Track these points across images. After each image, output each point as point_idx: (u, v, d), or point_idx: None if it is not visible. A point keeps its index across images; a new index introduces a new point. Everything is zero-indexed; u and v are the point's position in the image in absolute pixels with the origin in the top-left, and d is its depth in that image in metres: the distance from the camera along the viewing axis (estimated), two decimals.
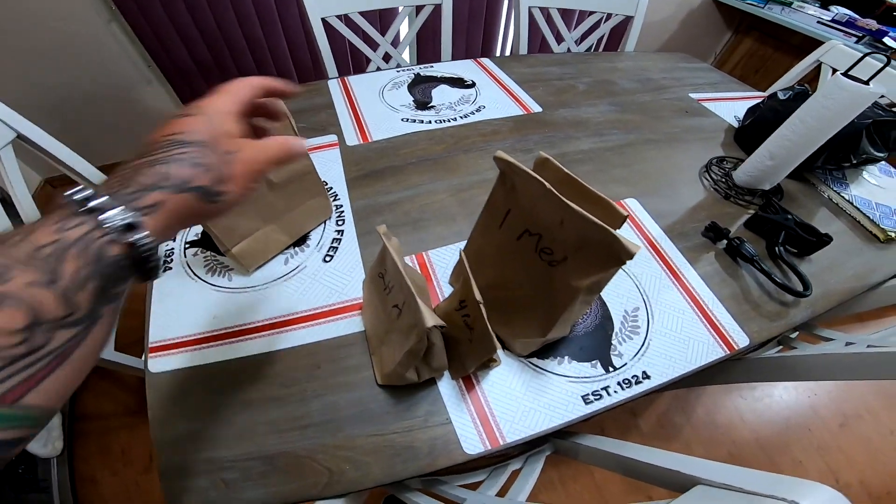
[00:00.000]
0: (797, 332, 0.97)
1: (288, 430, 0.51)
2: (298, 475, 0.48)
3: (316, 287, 0.64)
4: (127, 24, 1.66)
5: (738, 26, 2.74)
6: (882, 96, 0.88)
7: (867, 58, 0.80)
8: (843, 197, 0.89)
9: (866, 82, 0.71)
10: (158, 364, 0.55)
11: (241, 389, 0.54)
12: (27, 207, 0.82)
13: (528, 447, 0.74)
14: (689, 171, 0.93)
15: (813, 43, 1.51)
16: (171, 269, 0.66)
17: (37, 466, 1.15)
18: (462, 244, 0.70)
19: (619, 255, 0.41)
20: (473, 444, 0.50)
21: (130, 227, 0.26)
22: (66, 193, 0.25)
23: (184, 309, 0.61)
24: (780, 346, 0.96)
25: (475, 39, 2.14)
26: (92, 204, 0.25)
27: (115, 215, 0.25)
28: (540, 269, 0.49)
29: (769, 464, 1.36)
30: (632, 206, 0.82)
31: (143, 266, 0.27)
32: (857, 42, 2.03)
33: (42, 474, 1.15)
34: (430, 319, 0.43)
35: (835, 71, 1.30)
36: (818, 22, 2.18)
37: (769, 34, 2.49)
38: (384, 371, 0.53)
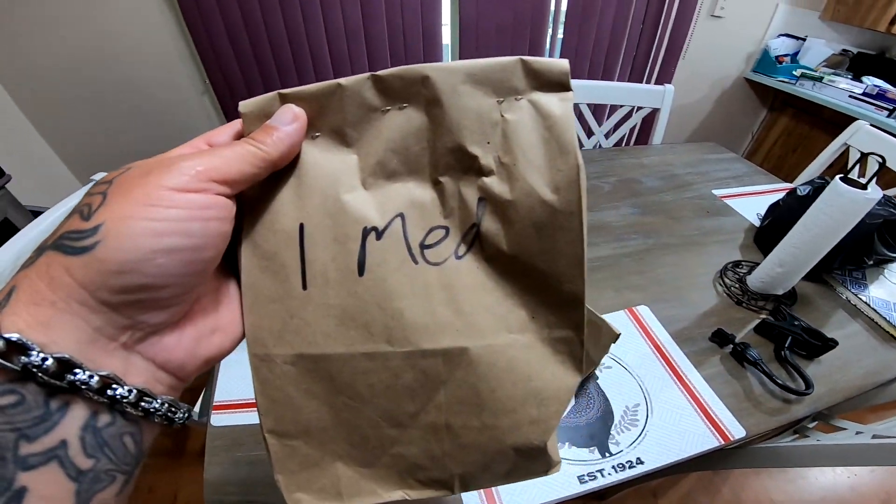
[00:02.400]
0: (815, 423, 0.98)
1: None
2: None
3: None
4: (216, 97, 1.91)
5: (773, 104, 2.71)
6: (882, 199, 0.91)
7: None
8: (860, 299, 0.91)
9: (864, 186, 0.72)
10: (220, 419, 0.65)
11: None
12: None
13: None
14: (703, 277, 0.96)
15: (846, 119, 1.50)
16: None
17: None
18: None
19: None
20: None
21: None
22: None
23: (247, 374, 0.71)
24: (796, 435, 0.97)
25: None
26: None
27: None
28: None
29: None
30: (642, 312, 0.86)
31: (54, 390, 0.17)
32: (888, 116, 1.98)
33: None
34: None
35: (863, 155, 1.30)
36: (850, 96, 2.15)
37: (804, 111, 2.45)
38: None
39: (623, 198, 1.22)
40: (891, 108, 2.00)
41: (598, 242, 1.05)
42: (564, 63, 0.24)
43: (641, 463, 0.63)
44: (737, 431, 0.67)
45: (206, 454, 0.61)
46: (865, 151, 1.27)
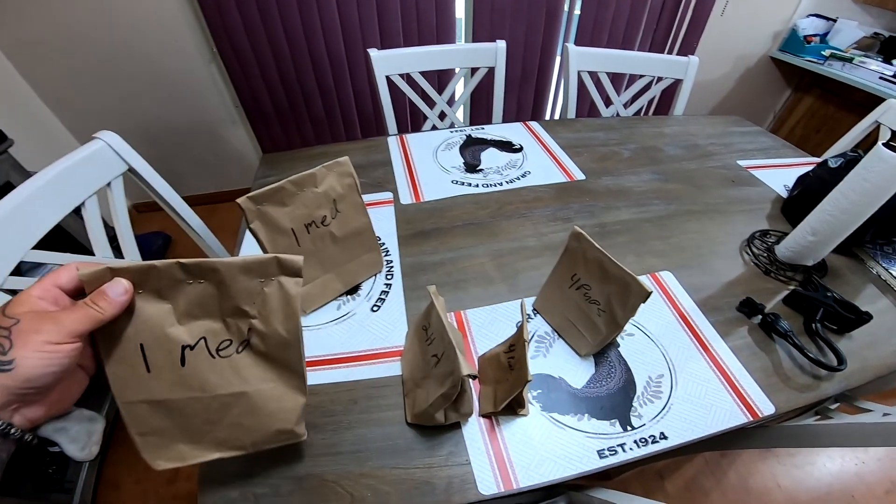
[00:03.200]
0: (837, 404, 0.94)
1: (319, 456, 0.57)
2: (322, 497, 0.53)
3: (362, 333, 0.71)
4: (223, 66, 1.88)
5: (798, 84, 2.68)
6: None
7: None
8: (891, 274, 0.87)
9: None
10: None
11: None
12: (128, 241, 0.89)
13: (543, 495, 0.76)
14: (729, 245, 0.93)
15: (876, 100, 1.46)
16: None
17: (67, 468, 1.23)
18: (497, 305, 0.77)
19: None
20: (488, 485, 0.54)
21: None
22: None
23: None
24: (818, 416, 0.93)
25: (526, 100, 2.23)
26: None
27: None
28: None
29: None
30: (666, 278, 0.83)
31: None
32: None
33: (70, 475, 1.23)
34: (466, 369, 0.49)
35: (894, 133, 1.25)
36: (881, 78, 2.11)
37: (831, 91, 2.42)
38: (415, 411, 0.58)
39: (644, 164, 1.18)
40: None
41: (619, 206, 1.02)
42: (299, 260, 0.44)
43: (665, 438, 0.59)
44: (766, 408, 0.63)
45: None
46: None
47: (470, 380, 0.53)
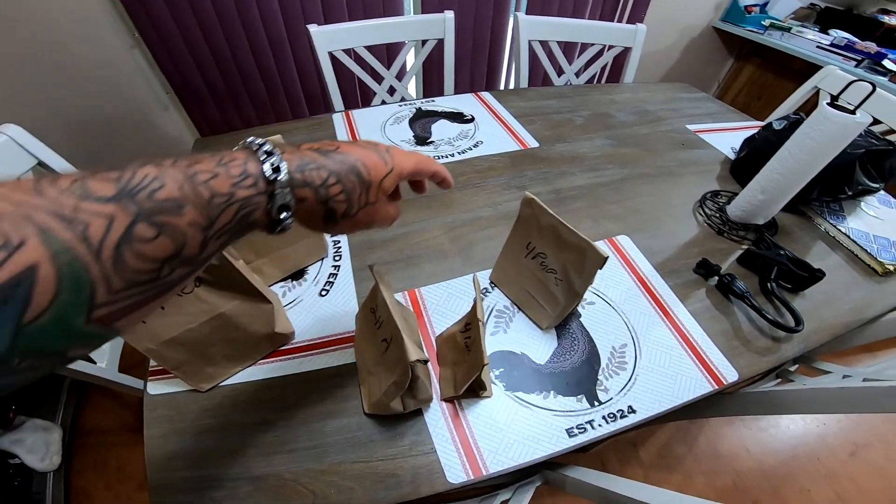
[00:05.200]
0: (797, 365, 0.97)
1: (276, 454, 0.53)
2: (283, 498, 0.49)
3: (311, 320, 0.67)
4: (148, 51, 1.73)
5: (740, 53, 2.76)
6: (873, 123, 0.88)
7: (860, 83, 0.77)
8: (839, 230, 0.89)
9: (853, 111, 0.70)
10: (157, 387, 0.58)
11: (233, 413, 0.56)
12: None
13: (519, 477, 0.75)
14: (682, 207, 0.94)
15: (813, 68, 1.52)
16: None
17: (32, 480, 1.16)
18: (453, 280, 0.73)
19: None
20: (457, 473, 0.51)
21: (284, 208, 0.30)
22: (255, 142, 0.30)
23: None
24: (779, 379, 0.95)
25: (479, 72, 2.18)
26: (269, 169, 0.29)
27: (283, 194, 0.30)
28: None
29: (773, 493, 1.34)
30: (623, 242, 0.83)
31: (268, 230, 0.31)
32: (856, 66, 2.04)
33: (36, 487, 1.17)
34: (414, 354, 0.45)
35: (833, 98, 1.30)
36: (817, 47, 2.19)
37: (770, 60, 2.50)
38: (371, 400, 0.55)
39: (597, 130, 1.18)
40: (859, 58, 2.04)
41: (574, 172, 1.01)
42: None
43: (633, 412, 0.58)
44: (729, 374, 0.63)
45: (146, 428, 0.54)
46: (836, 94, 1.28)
47: (425, 364, 0.50)
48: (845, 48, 2.12)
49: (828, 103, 0.73)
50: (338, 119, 1.15)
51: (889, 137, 1.15)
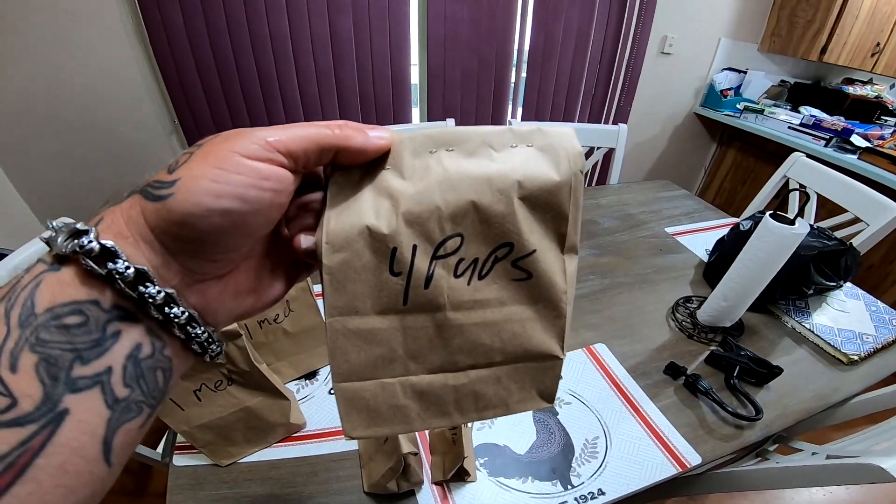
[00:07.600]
0: (776, 445, 1.01)
1: None
2: None
3: (321, 413, 0.75)
4: (185, 137, 1.89)
5: (721, 137, 2.78)
6: (815, 231, 0.97)
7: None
8: (805, 326, 0.95)
9: (792, 221, 0.77)
10: (182, 460, 0.66)
11: (248, 486, 0.64)
12: None
13: None
14: (657, 313, 1.01)
15: (786, 150, 1.57)
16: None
17: None
18: None
19: None
20: None
21: (67, 259, 0.19)
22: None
23: None
24: (759, 458, 1.00)
25: None
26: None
27: (61, 240, 0.19)
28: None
29: None
30: (600, 350, 0.89)
31: (131, 314, 0.20)
32: (826, 145, 2.04)
33: None
34: (406, 447, 0.55)
35: (802, 187, 1.37)
36: (789, 127, 2.20)
37: (749, 143, 2.52)
38: (371, 481, 0.63)
39: (582, 240, 1.23)
40: (827, 137, 2.06)
41: None
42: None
43: (603, 494, 0.65)
44: (693, 458, 0.70)
45: (168, 493, 0.62)
46: (803, 183, 1.36)
47: (416, 455, 0.59)
48: (813, 127, 2.12)
49: (770, 214, 0.80)
50: None
51: (856, 226, 1.24)
